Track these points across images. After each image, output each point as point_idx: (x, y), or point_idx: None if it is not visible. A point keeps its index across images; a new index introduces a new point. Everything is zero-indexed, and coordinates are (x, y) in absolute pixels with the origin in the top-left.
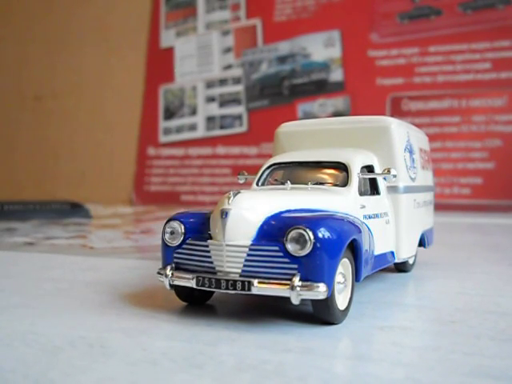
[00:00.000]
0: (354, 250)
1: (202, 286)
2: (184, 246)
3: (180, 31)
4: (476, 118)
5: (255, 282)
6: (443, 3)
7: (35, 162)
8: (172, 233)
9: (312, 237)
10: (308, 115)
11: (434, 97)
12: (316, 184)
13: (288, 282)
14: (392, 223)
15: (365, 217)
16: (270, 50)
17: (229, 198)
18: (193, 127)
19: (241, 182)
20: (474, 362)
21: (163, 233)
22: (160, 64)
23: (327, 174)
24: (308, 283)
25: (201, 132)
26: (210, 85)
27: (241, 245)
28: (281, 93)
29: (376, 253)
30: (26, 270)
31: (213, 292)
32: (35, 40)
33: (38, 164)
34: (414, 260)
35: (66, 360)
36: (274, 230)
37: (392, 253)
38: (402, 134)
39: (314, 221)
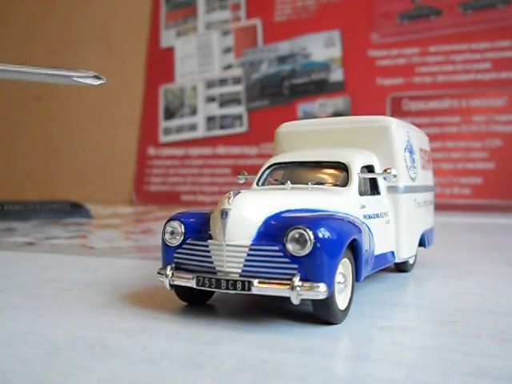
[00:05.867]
0: (354, 249)
1: (202, 285)
2: (184, 246)
3: (180, 31)
4: (476, 117)
5: (255, 281)
6: (443, 3)
7: (35, 162)
8: (172, 233)
9: (312, 237)
10: (308, 115)
11: (434, 97)
12: (316, 184)
13: (288, 282)
14: (392, 223)
15: (365, 217)
16: (270, 49)
17: (229, 198)
18: (193, 127)
19: (241, 182)
20: (475, 362)
21: (163, 233)
22: (160, 64)
23: (327, 174)
24: (308, 283)
25: (201, 132)
26: (210, 85)
27: (241, 245)
28: (281, 93)
29: (376, 253)
30: (26, 269)
31: (213, 292)
32: (35, 40)
33: (39, 164)
34: (414, 260)
35: (66, 360)
36: (274, 230)
37: (392, 253)
38: (402, 133)
39: (315, 221)
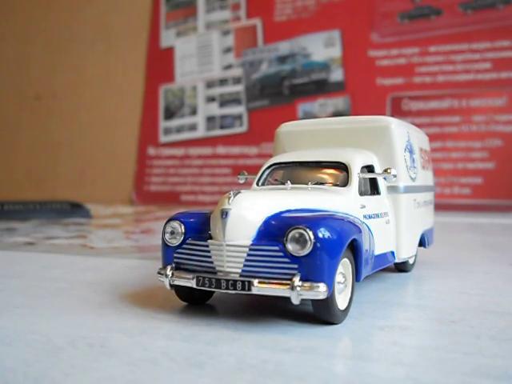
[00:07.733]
0: (354, 249)
1: (202, 285)
2: (184, 246)
3: (180, 31)
4: (476, 117)
5: (255, 281)
6: (443, 3)
7: (35, 161)
8: (172, 233)
9: (312, 237)
10: (308, 115)
11: (434, 97)
12: (316, 184)
13: (288, 282)
14: (392, 223)
15: (365, 217)
16: (270, 49)
17: (229, 198)
18: (193, 127)
19: (241, 181)
20: (474, 362)
21: (163, 233)
22: (160, 64)
23: (327, 174)
24: (308, 283)
25: (201, 132)
26: (210, 85)
27: (241, 245)
28: (281, 93)
29: (376, 253)
30: (26, 269)
31: (213, 292)
32: (35, 40)
33: (38, 164)
34: (414, 260)
35: (66, 359)
36: (274, 230)
37: (392, 253)
38: (402, 133)
39: (314, 221)
